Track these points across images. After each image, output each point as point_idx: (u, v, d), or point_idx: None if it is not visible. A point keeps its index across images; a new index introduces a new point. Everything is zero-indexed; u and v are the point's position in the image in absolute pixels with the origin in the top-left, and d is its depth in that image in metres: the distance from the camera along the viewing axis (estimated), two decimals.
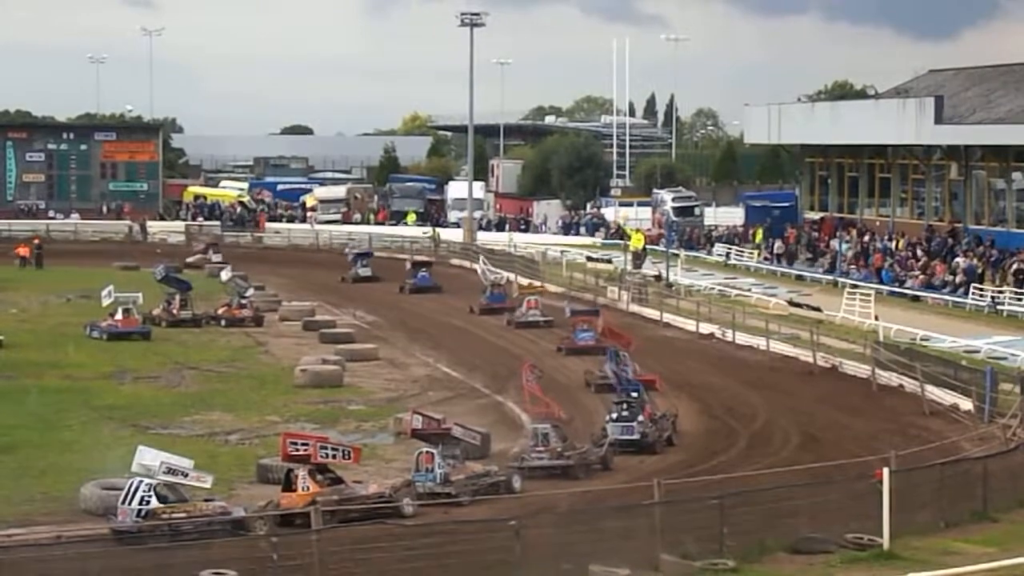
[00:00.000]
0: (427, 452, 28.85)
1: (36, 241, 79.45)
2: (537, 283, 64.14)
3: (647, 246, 75.94)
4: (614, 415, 34.09)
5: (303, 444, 27.25)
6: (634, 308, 58.26)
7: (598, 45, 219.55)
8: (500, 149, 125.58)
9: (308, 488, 26.45)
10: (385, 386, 42.60)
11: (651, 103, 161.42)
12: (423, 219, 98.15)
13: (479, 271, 62.63)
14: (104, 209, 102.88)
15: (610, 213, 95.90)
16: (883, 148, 71.40)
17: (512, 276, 65.61)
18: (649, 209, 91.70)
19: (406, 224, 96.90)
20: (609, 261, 74.36)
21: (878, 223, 71.88)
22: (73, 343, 49.03)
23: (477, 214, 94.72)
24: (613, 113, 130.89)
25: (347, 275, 70.20)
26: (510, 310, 56.28)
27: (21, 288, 65.54)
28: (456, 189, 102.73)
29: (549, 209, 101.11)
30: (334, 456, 27.28)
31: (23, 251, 77.83)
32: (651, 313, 56.63)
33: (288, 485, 26.79)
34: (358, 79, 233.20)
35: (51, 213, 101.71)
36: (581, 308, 52.56)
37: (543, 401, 36.38)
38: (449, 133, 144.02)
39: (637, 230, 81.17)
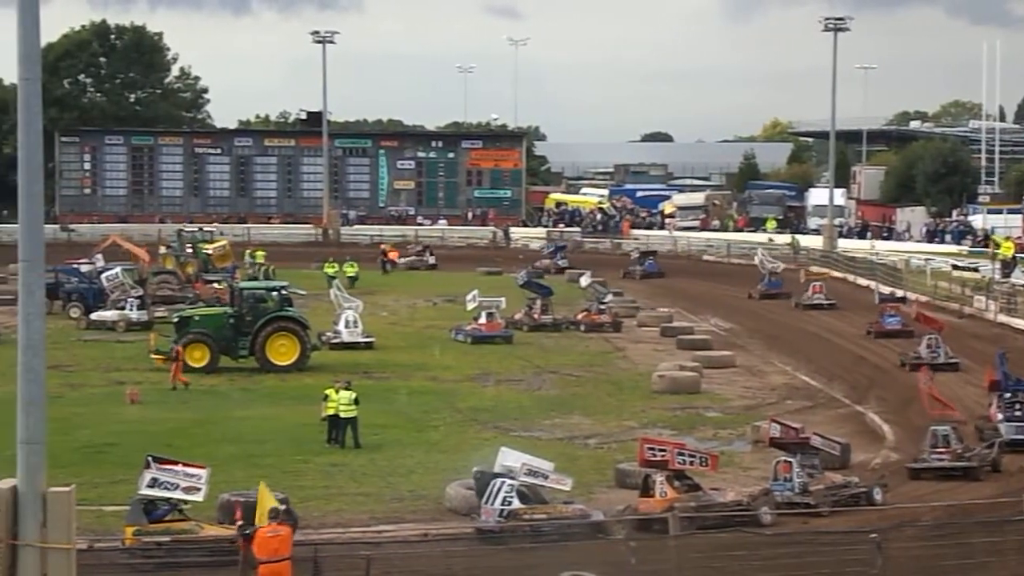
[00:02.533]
0: (785, 461, 28.55)
1: (382, 247, 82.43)
2: (824, 271, 73.05)
3: (1017, 254, 73.30)
4: (1007, 414, 33.38)
5: (661, 450, 27.35)
6: (1002, 318, 56.34)
7: (966, 48, 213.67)
8: (863, 155, 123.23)
9: (666, 494, 26.54)
10: (742, 394, 42.39)
11: (1023, 107, 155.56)
12: (782, 226, 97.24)
13: (758, 261, 70.16)
14: (469, 215, 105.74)
15: (978, 220, 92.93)
16: None
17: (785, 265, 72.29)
18: (1020, 216, 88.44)
19: (765, 231, 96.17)
20: (976, 270, 72.04)
21: None
22: (439, 346, 50.53)
23: (838, 221, 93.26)
24: (982, 117, 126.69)
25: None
26: (787, 295, 64.32)
27: (391, 292, 68.04)
28: (817, 196, 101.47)
29: (913, 216, 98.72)
30: (691, 463, 27.30)
31: (393, 255, 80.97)
32: (1021, 324, 54.64)
33: (646, 490, 26.95)
34: (718, 85, 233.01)
35: (419, 219, 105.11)
36: (889, 295, 57.47)
37: (940, 403, 35.76)
38: (810, 139, 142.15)
39: (1007, 238, 78.33)
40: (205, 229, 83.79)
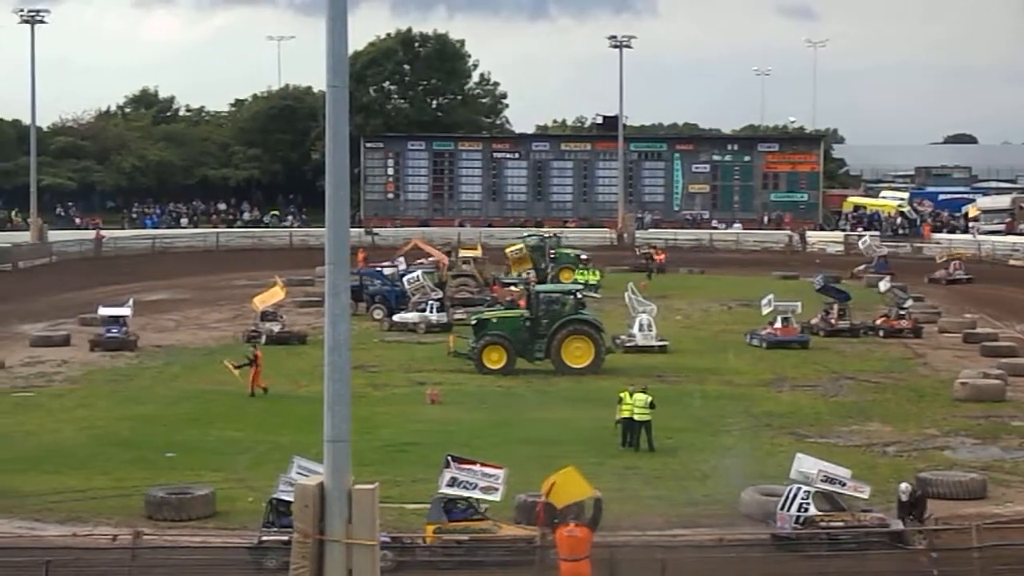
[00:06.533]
0: None
1: (648, 250, 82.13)
2: (961, 251, 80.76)
3: None
4: None
5: None
6: None
7: None
8: None
9: None
10: None
11: None
12: None
13: (864, 247, 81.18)
14: (765, 219, 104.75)
15: None
16: None
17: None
18: None
19: None
20: None
21: None
22: (733, 350, 50.19)
23: None
24: None
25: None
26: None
27: (685, 295, 67.86)
28: None
29: None
30: None
31: (660, 257, 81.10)
32: None
33: None
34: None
35: (714, 223, 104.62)
36: None
37: None
38: None
39: None
40: (556, 235, 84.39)
